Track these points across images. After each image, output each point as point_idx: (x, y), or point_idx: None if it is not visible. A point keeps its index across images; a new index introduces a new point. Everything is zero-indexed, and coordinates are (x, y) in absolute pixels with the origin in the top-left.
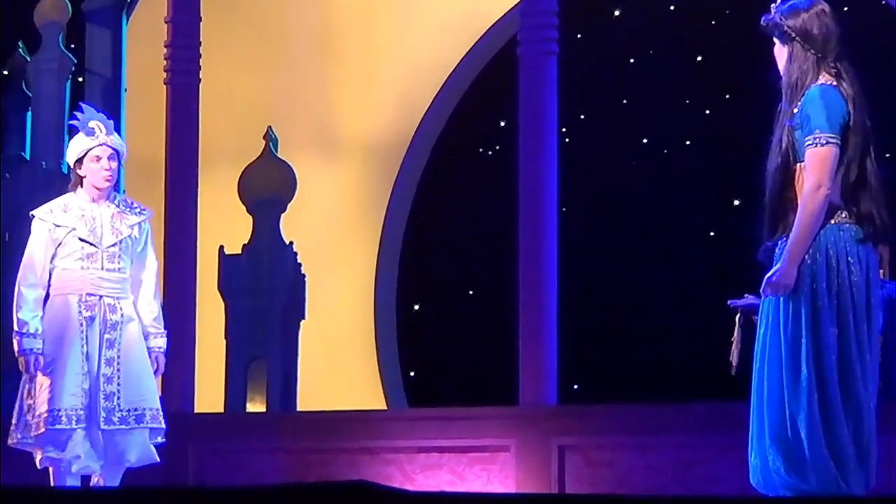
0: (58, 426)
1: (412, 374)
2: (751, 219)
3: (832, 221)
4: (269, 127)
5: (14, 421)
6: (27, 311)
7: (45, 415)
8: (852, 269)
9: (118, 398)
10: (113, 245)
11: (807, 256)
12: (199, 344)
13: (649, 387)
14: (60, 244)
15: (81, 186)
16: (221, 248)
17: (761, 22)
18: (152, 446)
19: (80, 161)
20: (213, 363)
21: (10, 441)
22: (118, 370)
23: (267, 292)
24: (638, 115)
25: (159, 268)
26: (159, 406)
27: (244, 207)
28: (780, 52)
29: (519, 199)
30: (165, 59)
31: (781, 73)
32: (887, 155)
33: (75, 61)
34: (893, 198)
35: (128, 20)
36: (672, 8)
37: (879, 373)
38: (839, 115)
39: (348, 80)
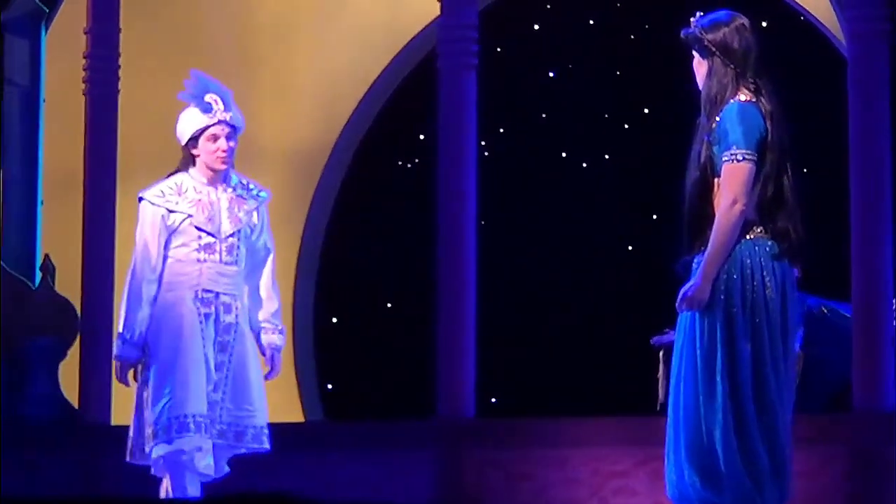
0: (186, 435)
1: (330, 386)
2: (669, 233)
3: (748, 237)
4: None
5: (132, 435)
6: (136, 315)
7: (167, 425)
8: (767, 285)
9: (220, 409)
10: (232, 235)
11: (722, 271)
12: None
13: (567, 400)
14: (175, 232)
15: (194, 165)
16: None
17: (681, 35)
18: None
19: (194, 139)
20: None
21: (128, 458)
22: (226, 377)
23: None
24: (557, 128)
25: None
26: (265, 424)
27: None
28: (700, 66)
29: (438, 212)
30: (84, 69)
31: (700, 87)
32: (805, 170)
33: None
34: (809, 214)
35: (47, 30)
36: (591, 22)
37: (798, 387)
38: (756, 132)
39: (267, 91)
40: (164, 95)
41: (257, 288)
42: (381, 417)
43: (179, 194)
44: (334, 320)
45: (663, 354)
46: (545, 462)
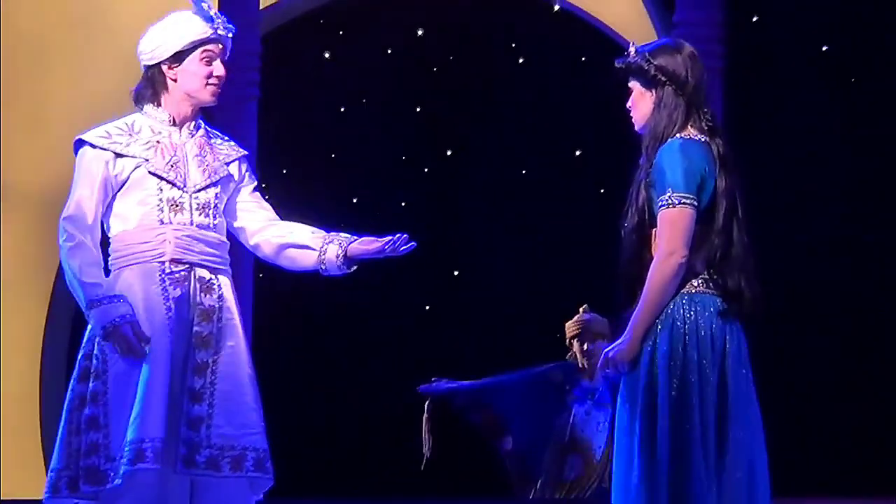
0: (141, 465)
1: None
2: (471, 290)
3: (686, 290)
4: None
5: (56, 465)
6: (91, 271)
7: (127, 451)
8: (702, 350)
9: (208, 427)
10: (204, 189)
11: (653, 331)
12: None
13: (386, 480)
14: (125, 184)
15: (158, 100)
16: None
17: (616, 64)
18: None
19: (178, 56)
20: None
21: (47, 494)
22: (211, 384)
23: None
24: (349, 169)
25: None
26: (267, 446)
27: None
28: (641, 100)
29: None
30: None
31: (638, 124)
32: None
33: None
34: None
35: None
36: (389, 52)
37: None
38: (698, 173)
39: (16, 121)
40: None
41: (267, 224)
42: None
43: (131, 135)
44: None
45: (429, 404)
46: None
